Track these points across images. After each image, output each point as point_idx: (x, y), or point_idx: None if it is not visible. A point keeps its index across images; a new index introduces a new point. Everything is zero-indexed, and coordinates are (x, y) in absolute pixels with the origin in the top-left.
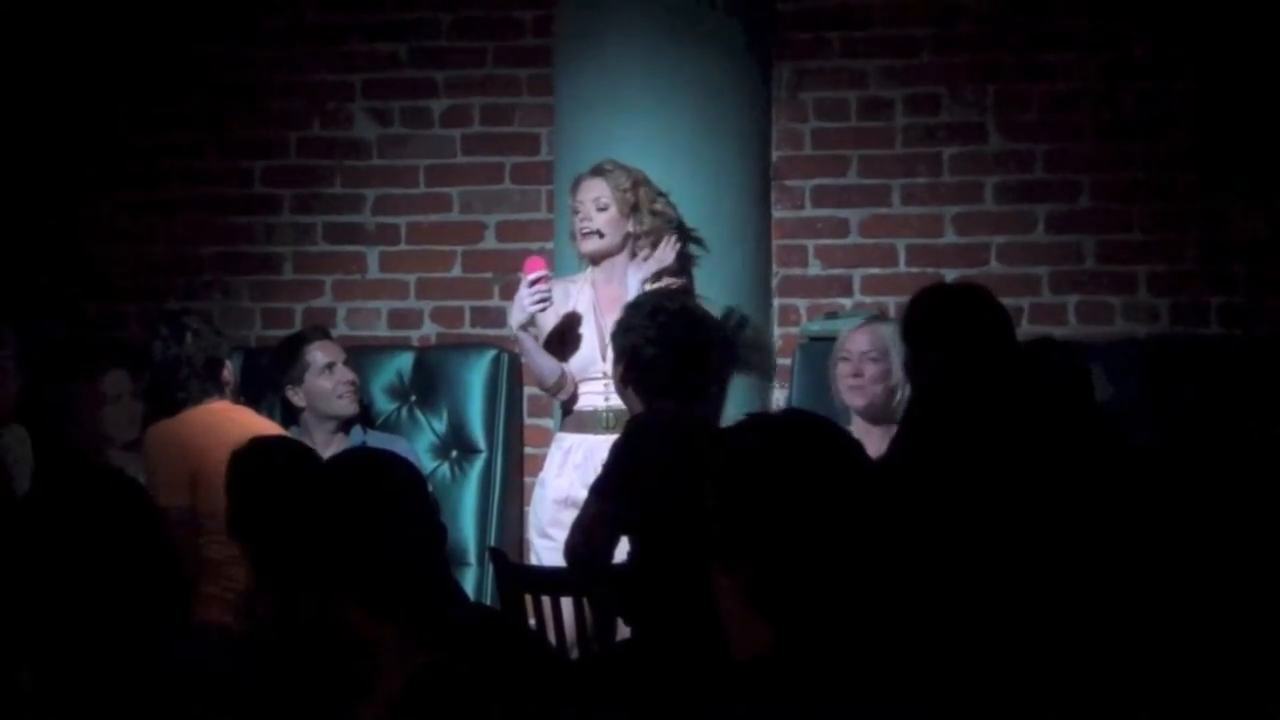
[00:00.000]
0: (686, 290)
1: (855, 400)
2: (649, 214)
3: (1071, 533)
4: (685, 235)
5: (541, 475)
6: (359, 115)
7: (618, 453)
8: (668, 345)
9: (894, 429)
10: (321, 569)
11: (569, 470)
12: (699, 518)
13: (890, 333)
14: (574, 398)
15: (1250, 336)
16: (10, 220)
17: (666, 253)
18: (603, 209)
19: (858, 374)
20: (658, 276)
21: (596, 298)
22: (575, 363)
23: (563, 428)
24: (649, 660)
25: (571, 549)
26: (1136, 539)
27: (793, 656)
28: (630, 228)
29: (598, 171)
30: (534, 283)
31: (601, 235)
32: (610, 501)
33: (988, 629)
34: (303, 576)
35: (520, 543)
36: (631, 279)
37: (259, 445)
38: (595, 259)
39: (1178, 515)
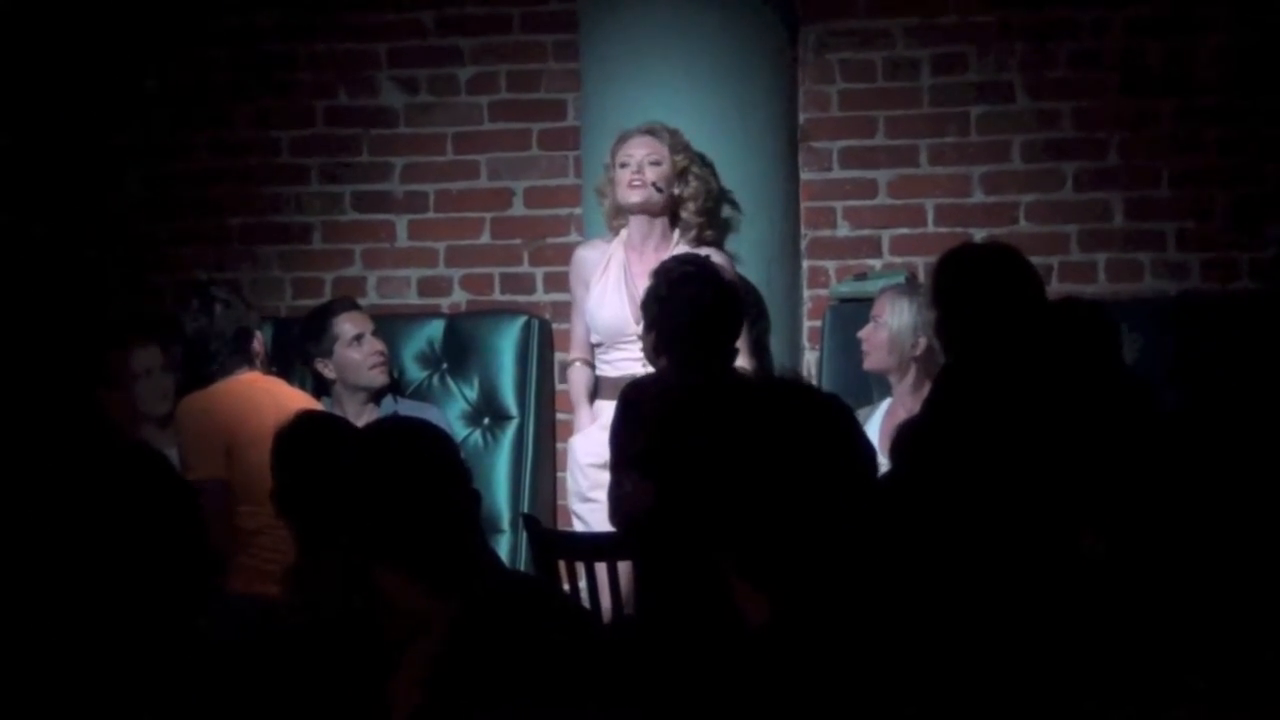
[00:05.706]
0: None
1: (864, 362)
2: (694, 179)
3: (1097, 494)
4: (719, 200)
5: (572, 441)
6: (386, 84)
7: (613, 425)
8: (682, 307)
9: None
10: (359, 537)
11: (595, 430)
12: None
13: (895, 297)
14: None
15: None
16: (40, 194)
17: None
18: (655, 163)
19: (865, 338)
20: (696, 243)
21: (628, 260)
22: (606, 329)
23: (600, 395)
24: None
25: (613, 522)
26: (1162, 501)
27: (791, 628)
28: (678, 190)
29: (649, 130)
30: None
31: (659, 190)
32: (619, 473)
33: (1008, 594)
34: (347, 548)
35: (554, 508)
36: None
37: (303, 421)
38: (642, 211)
39: (1205, 477)
